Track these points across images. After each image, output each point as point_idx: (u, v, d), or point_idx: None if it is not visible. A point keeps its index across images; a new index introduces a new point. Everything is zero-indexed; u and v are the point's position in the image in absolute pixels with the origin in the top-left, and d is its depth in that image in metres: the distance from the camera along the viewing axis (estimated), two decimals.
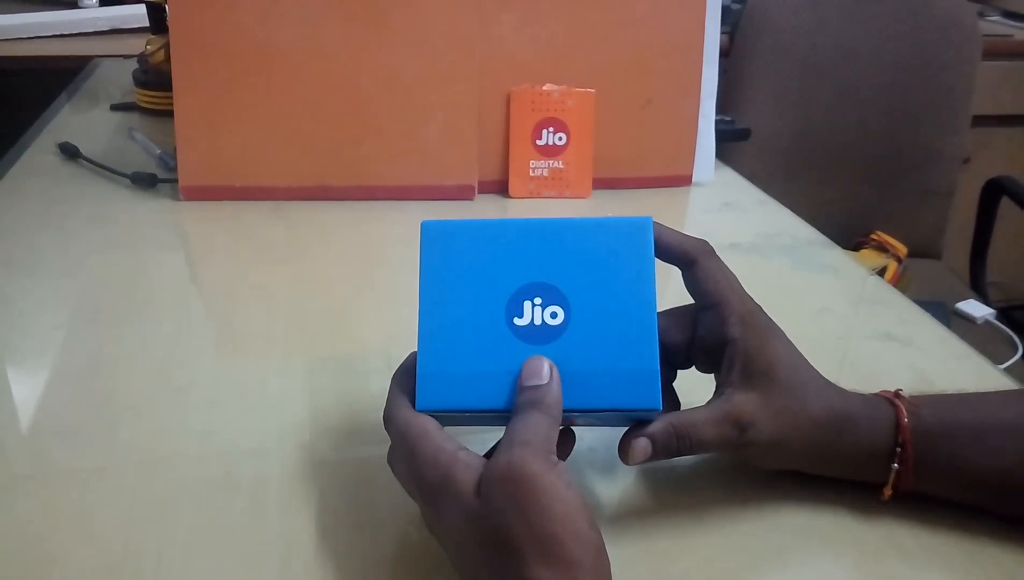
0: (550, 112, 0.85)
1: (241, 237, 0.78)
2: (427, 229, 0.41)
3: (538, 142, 0.86)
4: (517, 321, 0.39)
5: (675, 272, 0.45)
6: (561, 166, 0.86)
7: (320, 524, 0.44)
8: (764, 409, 0.42)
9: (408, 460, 0.38)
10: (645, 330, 0.39)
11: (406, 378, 0.41)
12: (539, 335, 0.39)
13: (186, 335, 0.61)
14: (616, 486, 0.48)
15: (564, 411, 0.38)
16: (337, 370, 0.58)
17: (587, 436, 0.51)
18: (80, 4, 1.60)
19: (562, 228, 0.41)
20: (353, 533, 0.44)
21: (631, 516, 0.46)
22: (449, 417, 0.40)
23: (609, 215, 0.42)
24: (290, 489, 0.47)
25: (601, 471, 0.49)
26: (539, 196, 0.87)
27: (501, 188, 0.88)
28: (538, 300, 0.40)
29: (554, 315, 0.39)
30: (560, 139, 0.86)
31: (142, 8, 1.32)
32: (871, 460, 0.44)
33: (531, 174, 0.86)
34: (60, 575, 0.41)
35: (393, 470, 0.42)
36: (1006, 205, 1.47)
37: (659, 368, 0.39)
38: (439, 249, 0.41)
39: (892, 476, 0.44)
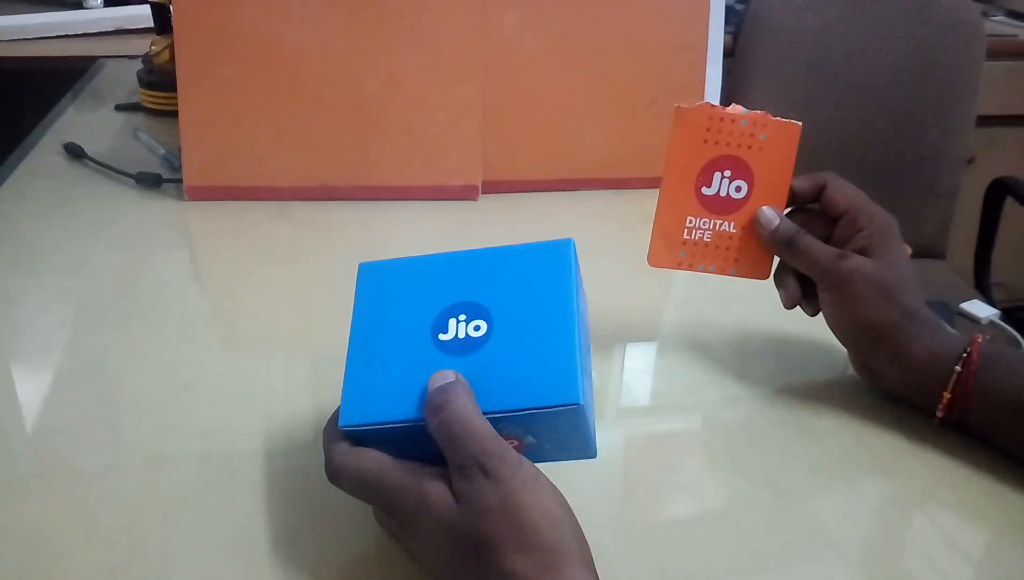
0: (730, 148, 0.56)
1: (245, 237, 0.78)
2: (363, 270, 0.43)
3: (705, 190, 0.57)
4: (442, 337, 0.40)
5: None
6: (732, 230, 0.57)
7: (324, 523, 0.44)
8: (872, 263, 0.52)
9: (379, 499, 0.39)
10: (563, 333, 0.39)
11: (337, 429, 0.40)
12: (462, 347, 0.40)
13: (190, 334, 0.62)
14: (617, 486, 0.48)
15: (490, 419, 0.37)
16: (341, 370, 0.57)
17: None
18: (85, 5, 1.61)
19: (487, 254, 0.42)
20: (357, 532, 0.44)
21: (632, 515, 0.46)
22: (377, 442, 0.39)
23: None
24: (294, 489, 0.47)
25: (604, 472, 0.49)
26: (691, 269, 0.58)
27: (503, 188, 0.88)
28: (462, 316, 0.41)
29: (477, 328, 0.40)
30: (738, 190, 0.57)
31: (147, 9, 1.32)
32: (936, 361, 0.50)
33: (685, 237, 0.57)
34: (64, 574, 0.41)
35: (380, 523, 0.43)
36: (1010, 205, 1.47)
37: (577, 366, 0.39)
38: (371, 286, 0.43)
39: (952, 380, 0.49)
